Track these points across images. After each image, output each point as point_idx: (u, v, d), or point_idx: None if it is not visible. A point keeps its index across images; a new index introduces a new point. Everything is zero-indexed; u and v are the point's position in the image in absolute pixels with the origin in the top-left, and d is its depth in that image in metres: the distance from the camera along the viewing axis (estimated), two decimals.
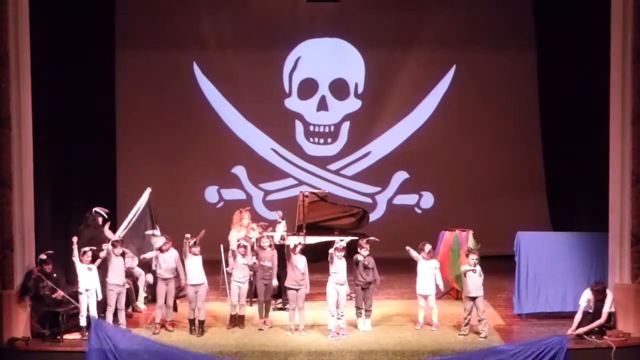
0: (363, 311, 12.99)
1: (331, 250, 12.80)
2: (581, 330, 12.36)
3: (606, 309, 12.46)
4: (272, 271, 13.25)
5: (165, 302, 13.02)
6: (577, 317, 12.51)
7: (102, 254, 12.72)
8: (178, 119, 18.77)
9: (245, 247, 13.20)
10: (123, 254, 13.10)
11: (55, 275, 12.77)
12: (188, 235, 13.08)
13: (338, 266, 12.78)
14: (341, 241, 13.00)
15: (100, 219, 13.74)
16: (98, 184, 16.70)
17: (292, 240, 13.63)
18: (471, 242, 14.03)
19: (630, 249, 12.52)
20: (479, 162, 18.97)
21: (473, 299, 12.68)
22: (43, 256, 12.65)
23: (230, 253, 13.72)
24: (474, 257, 12.79)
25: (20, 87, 12.59)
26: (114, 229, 14.24)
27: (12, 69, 12.45)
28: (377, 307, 13.55)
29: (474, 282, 12.68)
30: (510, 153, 18.92)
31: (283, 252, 13.33)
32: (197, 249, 12.98)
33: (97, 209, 13.79)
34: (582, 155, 16.18)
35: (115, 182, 18.05)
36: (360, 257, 12.87)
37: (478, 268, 12.76)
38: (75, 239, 12.59)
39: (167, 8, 18.43)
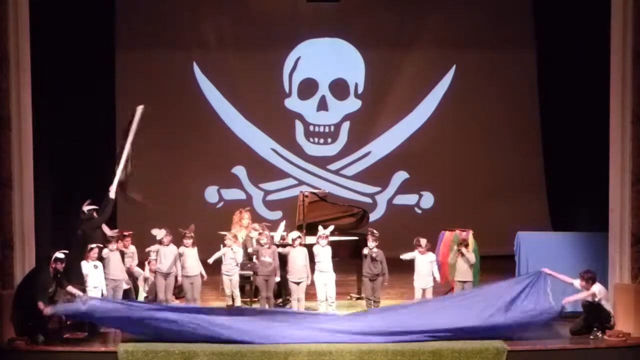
0: (372, 302, 13.36)
1: (315, 248, 13.27)
2: (568, 299, 12.27)
3: (593, 289, 12.24)
4: (272, 267, 13.35)
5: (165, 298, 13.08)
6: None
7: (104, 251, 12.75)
8: (178, 119, 18.75)
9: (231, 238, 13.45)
10: (122, 252, 13.10)
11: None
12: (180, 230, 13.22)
13: (321, 255, 13.23)
14: (325, 229, 13.39)
15: (95, 214, 13.56)
16: (98, 184, 16.63)
17: (291, 235, 13.72)
18: (470, 243, 14.04)
19: (630, 249, 12.48)
20: (478, 162, 18.98)
21: (462, 282, 13.16)
22: (60, 255, 12.34)
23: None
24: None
25: (20, 87, 12.55)
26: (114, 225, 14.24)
27: (12, 69, 12.43)
28: None
29: (462, 266, 13.18)
30: (510, 153, 18.93)
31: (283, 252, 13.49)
32: (188, 242, 13.07)
33: (84, 207, 13.55)
34: (582, 155, 16.19)
35: None
36: (367, 250, 13.26)
37: (469, 254, 13.13)
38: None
39: (167, 8, 18.43)
